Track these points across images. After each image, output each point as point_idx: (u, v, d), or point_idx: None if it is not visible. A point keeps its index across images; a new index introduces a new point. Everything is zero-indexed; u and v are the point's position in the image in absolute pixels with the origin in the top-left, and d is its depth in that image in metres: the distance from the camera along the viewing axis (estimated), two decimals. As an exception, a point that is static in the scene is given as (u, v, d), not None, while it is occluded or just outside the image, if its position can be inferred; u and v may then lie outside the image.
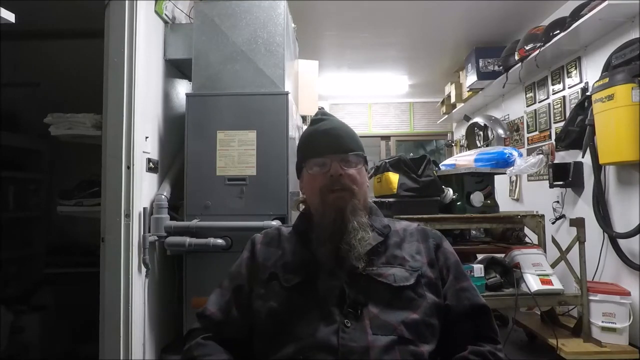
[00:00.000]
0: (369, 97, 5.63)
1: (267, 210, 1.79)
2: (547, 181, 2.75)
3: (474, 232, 2.51)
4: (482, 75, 3.56)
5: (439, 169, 2.47)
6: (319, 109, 3.43)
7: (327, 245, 0.89)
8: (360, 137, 1.04)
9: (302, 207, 1.06)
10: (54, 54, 2.58)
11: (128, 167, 1.66)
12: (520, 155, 2.37)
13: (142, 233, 1.72)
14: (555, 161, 2.80)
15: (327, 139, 0.96)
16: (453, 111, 4.57)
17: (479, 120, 3.89)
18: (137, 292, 1.68)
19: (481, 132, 4.08)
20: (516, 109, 3.52)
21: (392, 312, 0.84)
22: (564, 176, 2.61)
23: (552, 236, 2.31)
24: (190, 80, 1.97)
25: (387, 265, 0.90)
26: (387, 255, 0.92)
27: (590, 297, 2.05)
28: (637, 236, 2.06)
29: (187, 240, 1.75)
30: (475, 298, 0.91)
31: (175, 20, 2.09)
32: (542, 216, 2.26)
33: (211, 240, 1.74)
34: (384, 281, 0.87)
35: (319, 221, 0.93)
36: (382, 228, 0.96)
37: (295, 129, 2.15)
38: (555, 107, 2.88)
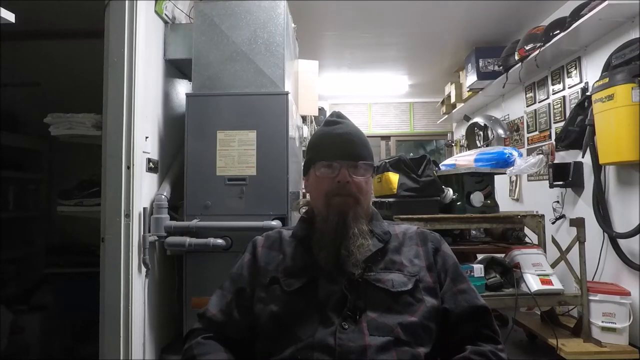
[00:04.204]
0: (369, 97, 5.64)
1: (267, 211, 1.79)
2: (547, 181, 2.75)
3: (474, 232, 2.51)
4: (482, 75, 3.57)
5: (439, 169, 2.47)
6: (318, 108, 3.45)
7: (328, 249, 0.89)
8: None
9: (303, 210, 1.06)
10: (54, 54, 2.57)
11: (128, 167, 1.66)
12: (520, 155, 2.37)
13: (142, 233, 1.72)
14: (555, 161, 2.80)
15: (340, 144, 0.95)
16: (453, 111, 4.57)
17: (479, 120, 3.89)
18: (137, 292, 1.68)
19: (481, 132, 4.08)
20: (516, 109, 3.52)
21: (390, 315, 0.84)
22: (564, 176, 2.61)
23: (552, 236, 2.31)
24: (190, 80, 1.97)
25: (386, 270, 0.90)
26: (386, 261, 0.92)
27: (590, 297, 2.06)
28: (637, 236, 2.06)
29: (187, 240, 1.75)
30: (474, 299, 0.90)
31: (175, 20, 2.09)
32: (542, 216, 2.26)
33: (211, 240, 1.74)
34: (383, 287, 0.87)
35: (320, 225, 0.93)
36: (382, 234, 0.96)
37: (295, 129, 2.15)
38: (555, 107, 2.88)
